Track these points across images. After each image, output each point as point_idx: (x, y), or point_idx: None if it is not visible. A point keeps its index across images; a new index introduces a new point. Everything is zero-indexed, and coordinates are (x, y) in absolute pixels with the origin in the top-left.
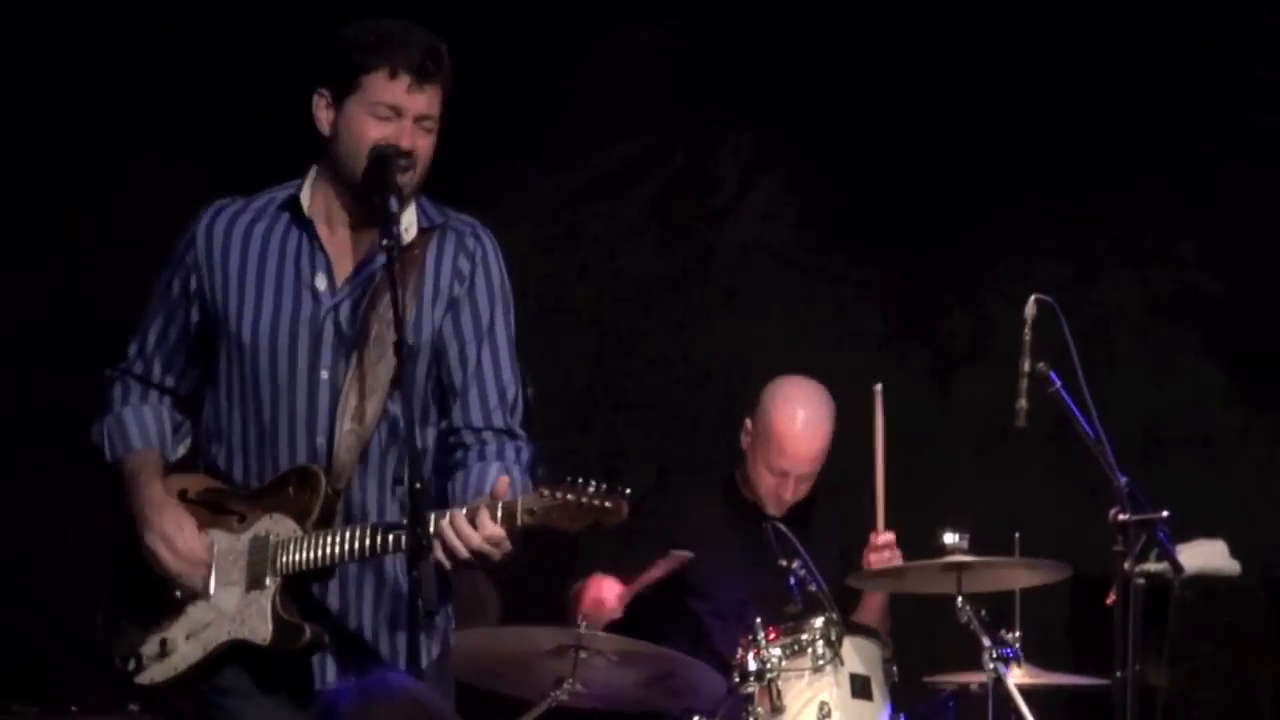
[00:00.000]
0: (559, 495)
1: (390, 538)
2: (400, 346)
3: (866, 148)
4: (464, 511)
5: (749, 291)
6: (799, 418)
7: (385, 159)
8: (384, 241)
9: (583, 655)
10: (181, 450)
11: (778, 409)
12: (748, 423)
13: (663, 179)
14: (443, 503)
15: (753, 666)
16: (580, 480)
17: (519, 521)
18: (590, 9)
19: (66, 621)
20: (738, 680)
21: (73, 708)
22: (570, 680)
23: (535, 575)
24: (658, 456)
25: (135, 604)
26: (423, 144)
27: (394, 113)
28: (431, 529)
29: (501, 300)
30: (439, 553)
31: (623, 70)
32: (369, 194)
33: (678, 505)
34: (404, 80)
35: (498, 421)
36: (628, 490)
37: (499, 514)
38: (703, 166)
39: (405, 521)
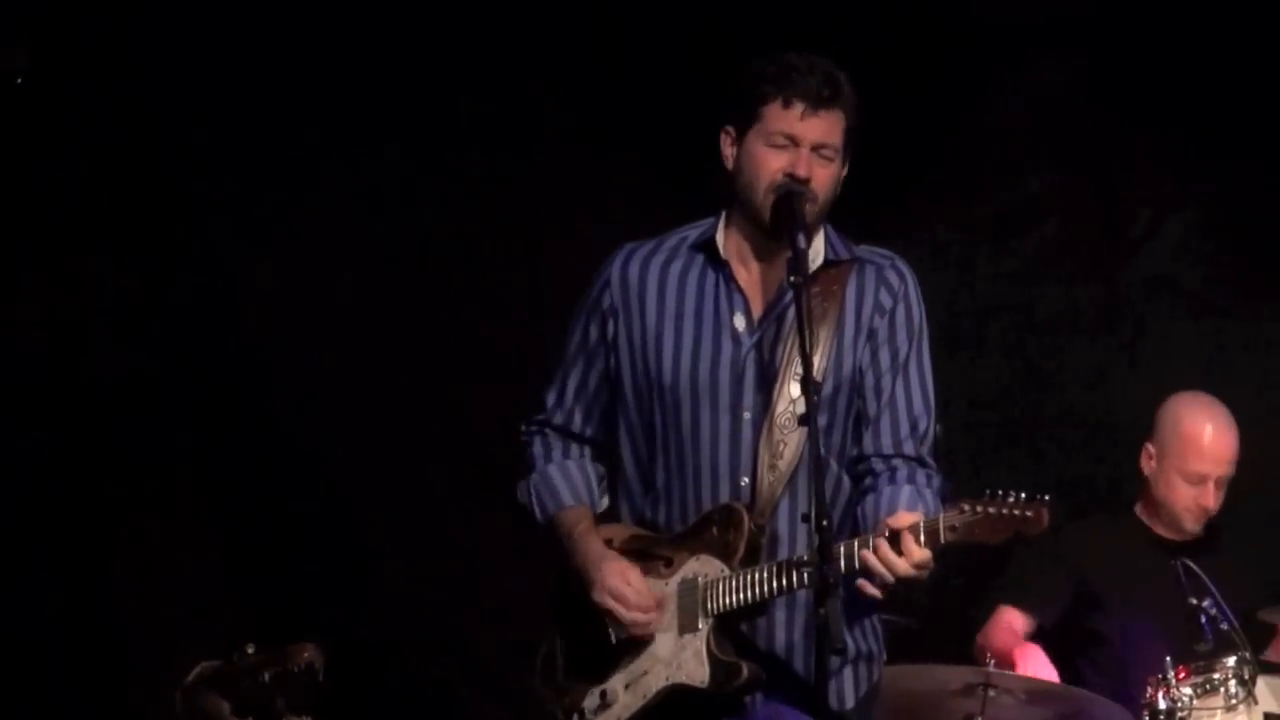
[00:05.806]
0: (979, 509)
1: (804, 574)
2: (807, 383)
3: None
4: (884, 537)
5: (1158, 330)
6: (1211, 418)
7: (791, 194)
8: (791, 278)
9: (991, 693)
10: (606, 502)
11: (1186, 416)
12: (1149, 446)
13: (1071, 213)
14: (854, 529)
15: (1163, 706)
16: (999, 492)
17: (942, 539)
18: (1000, 40)
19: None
20: None
21: None
22: (979, 719)
23: (941, 611)
24: (1068, 494)
25: (572, 659)
26: (821, 173)
27: (790, 141)
28: (855, 562)
29: (919, 334)
30: (868, 586)
31: (1033, 102)
32: (777, 231)
33: (1086, 540)
34: (798, 108)
35: (908, 449)
36: (1046, 497)
37: (921, 535)
38: (1113, 201)
39: (813, 558)
